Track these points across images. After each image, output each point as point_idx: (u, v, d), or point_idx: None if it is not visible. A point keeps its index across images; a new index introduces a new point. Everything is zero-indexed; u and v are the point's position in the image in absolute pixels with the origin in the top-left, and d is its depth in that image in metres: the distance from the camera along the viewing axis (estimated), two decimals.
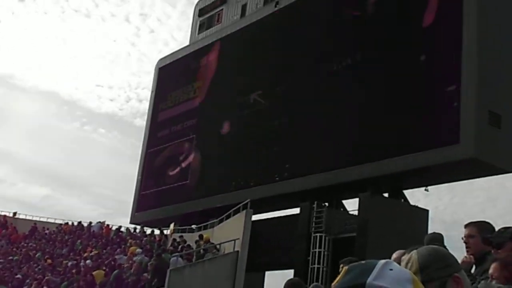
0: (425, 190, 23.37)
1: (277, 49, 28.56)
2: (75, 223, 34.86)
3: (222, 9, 34.74)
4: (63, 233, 33.49)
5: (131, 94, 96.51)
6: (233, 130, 29.75)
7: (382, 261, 1.74)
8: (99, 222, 33.57)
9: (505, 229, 3.98)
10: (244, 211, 23.74)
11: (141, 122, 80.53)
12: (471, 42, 20.15)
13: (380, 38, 23.51)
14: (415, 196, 23.15)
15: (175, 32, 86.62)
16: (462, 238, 4.33)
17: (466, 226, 4.34)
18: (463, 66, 20.06)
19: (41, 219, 38.40)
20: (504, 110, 20.22)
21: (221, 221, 25.98)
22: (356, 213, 23.54)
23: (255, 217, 24.92)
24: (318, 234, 23.71)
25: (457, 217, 56.98)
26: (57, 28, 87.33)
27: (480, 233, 4.20)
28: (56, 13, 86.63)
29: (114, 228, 32.19)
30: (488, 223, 4.34)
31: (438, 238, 5.57)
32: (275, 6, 29.69)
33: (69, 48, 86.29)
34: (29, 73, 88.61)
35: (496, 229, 4.18)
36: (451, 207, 58.97)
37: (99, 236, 30.81)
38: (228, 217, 25.40)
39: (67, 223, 35.74)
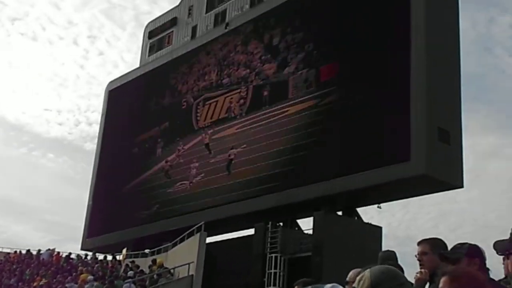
0: (378, 207, 23.58)
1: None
2: (24, 252, 33.78)
3: (172, 31, 34.62)
4: (11, 262, 32.40)
5: (80, 118, 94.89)
6: (186, 152, 29.47)
7: (329, 285, 1.65)
8: (49, 249, 32.62)
9: (461, 245, 3.97)
10: (198, 234, 23.43)
11: (91, 146, 79.10)
12: (419, 61, 20.51)
13: (330, 56, 23.75)
14: (368, 213, 23.33)
15: (125, 54, 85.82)
16: (416, 256, 4.29)
17: (419, 243, 4.31)
18: (412, 84, 20.37)
19: None
20: (453, 126, 20.58)
21: (174, 244, 25.58)
22: (311, 232, 23.50)
23: (209, 239, 24.62)
24: (273, 255, 23.57)
25: (410, 233, 57.71)
26: (2, 52, 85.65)
27: (432, 250, 4.19)
28: (1, 37, 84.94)
29: (64, 255, 31.29)
30: (440, 239, 4.32)
31: (391, 256, 5.51)
32: (225, 28, 29.73)
33: (16, 72, 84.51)
34: None
35: (449, 244, 4.16)
36: (404, 223, 59.74)
37: (48, 264, 29.89)
38: (182, 240, 25.03)
39: (15, 252, 34.61)
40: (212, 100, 29.23)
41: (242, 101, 27.45)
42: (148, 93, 33.70)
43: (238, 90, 27.80)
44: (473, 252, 3.84)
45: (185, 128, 30.27)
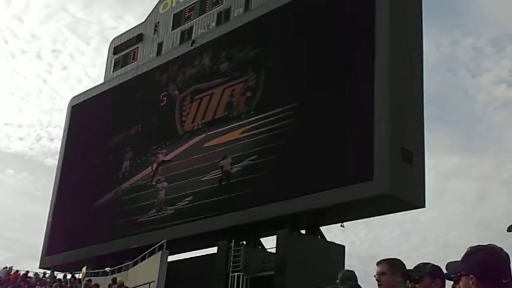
0: (341, 226, 23.63)
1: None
2: None
3: (137, 47, 34.41)
4: None
5: (42, 133, 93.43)
6: (149, 170, 29.15)
7: None
8: (5, 267, 31.79)
9: (424, 264, 4.04)
10: (160, 252, 23.14)
11: (53, 161, 77.74)
12: (383, 81, 20.71)
13: (296, 75, 23.84)
14: (332, 231, 23.34)
15: (89, 69, 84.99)
16: (374, 276, 4.30)
17: (377, 263, 4.34)
18: (376, 104, 20.53)
19: None
20: (415, 146, 20.78)
21: (135, 263, 25.21)
22: (274, 250, 23.38)
23: (171, 258, 24.32)
24: (236, 274, 23.35)
25: (373, 251, 57.97)
26: None
27: (391, 270, 4.25)
28: None
29: (22, 273, 30.51)
30: (399, 260, 4.37)
31: (352, 276, 5.51)
32: (192, 45, 29.65)
33: None
34: None
35: (411, 264, 4.22)
36: (367, 242, 60.04)
37: (5, 283, 29.10)
38: (143, 258, 24.69)
39: None
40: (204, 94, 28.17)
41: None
42: (112, 108, 33.32)
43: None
44: (435, 273, 3.92)
45: (165, 132, 29.35)
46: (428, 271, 3.96)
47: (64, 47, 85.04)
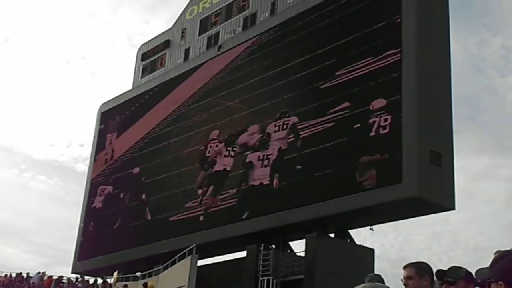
0: (370, 229, 23.51)
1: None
2: (14, 275, 33.45)
3: (165, 53, 34.73)
4: (1, 286, 32.06)
5: (72, 139, 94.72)
6: (178, 174, 29.36)
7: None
8: (39, 272, 32.34)
9: (458, 268, 4.06)
10: (190, 257, 23.31)
11: (83, 167, 78.82)
12: (411, 83, 20.61)
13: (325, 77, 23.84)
14: (361, 235, 23.28)
15: (116, 74, 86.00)
16: (401, 280, 4.28)
17: (404, 267, 4.31)
18: (404, 107, 20.44)
19: None
20: (444, 148, 20.62)
21: (166, 267, 25.42)
22: (303, 254, 23.37)
23: (201, 262, 24.47)
24: (265, 277, 23.39)
25: (403, 254, 57.49)
26: None
27: (418, 274, 4.20)
28: None
29: (55, 278, 31.00)
30: (426, 263, 4.34)
31: (379, 280, 5.47)
32: (218, 50, 29.84)
33: (7, 93, 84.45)
34: None
35: (442, 266, 4.21)
36: (396, 245, 59.52)
37: None
38: (173, 263, 24.89)
39: (5, 275, 34.28)
40: None
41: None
42: (140, 114, 33.70)
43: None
44: (469, 278, 3.93)
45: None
46: (463, 275, 3.97)
47: (92, 53, 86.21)
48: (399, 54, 21.24)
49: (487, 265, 2.61)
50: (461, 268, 4.05)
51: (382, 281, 5.45)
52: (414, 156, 19.85)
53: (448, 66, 22.11)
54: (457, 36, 66.68)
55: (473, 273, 4.03)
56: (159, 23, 77.75)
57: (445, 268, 4.06)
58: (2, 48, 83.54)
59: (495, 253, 4.72)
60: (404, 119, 20.32)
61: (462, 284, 3.93)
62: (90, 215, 34.33)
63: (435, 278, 4.14)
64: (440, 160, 20.21)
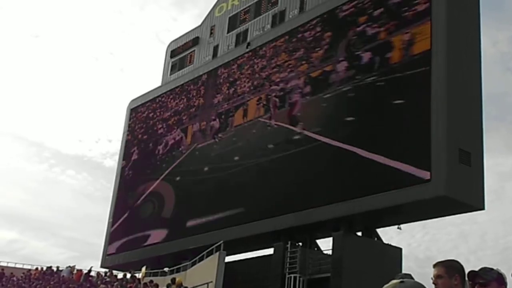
0: (398, 228, 23.37)
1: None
2: (44, 268, 34.04)
3: (194, 50, 34.95)
4: (31, 279, 32.64)
5: (100, 135, 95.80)
6: (209, 170, 29.55)
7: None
8: (69, 266, 32.84)
9: (490, 269, 4.00)
10: (217, 253, 23.45)
11: (111, 162, 79.84)
12: (440, 81, 20.43)
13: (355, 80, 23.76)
14: (387, 233, 23.11)
15: (145, 71, 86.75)
16: (431, 279, 4.25)
17: (434, 265, 4.26)
18: (433, 105, 20.29)
19: (9, 265, 37.47)
20: (473, 147, 20.41)
21: (194, 263, 25.61)
22: (330, 252, 23.36)
23: (229, 258, 24.61)
24: (292, 275, 23.44)
25: (430, 253, 57.07)
26: (23, 69, 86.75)
27: (448, 273, 4.13)
28: (22, 52, 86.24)
29: (84, 272, 31.43)
30: (457, 261, 4.26)
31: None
32: (247, 47, 29.93)
33: (37, 89, 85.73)
34: None
35: (471, 266, 4.16)
36: (424, 244, 59.12)
37: (68, 282, 30.07)
38: (201, 259, 25.06)
39: (36, 268, 34.90)
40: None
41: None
42: (169, 111, 33.99)
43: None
44: (502, 280, 3.91)
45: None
46: (495, 276, 3.92)
47: (120, 49, 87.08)
48: (429, 50, 21.06)
49: None
50: (492, 269, 3.98)
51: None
52: (443, 155, 19.69)
53: (478, 64, 21.83)
54: (487, 32, 65.80)
55: (505, 274, 4.01)
56: (187, 19, 78.29)
57: (476, 269, 4.02)
58: (32, 44, 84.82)
59: None
60: (434, 117, 20.16)
61: (494, 285, 3.86)
62: (119, 210, 34.73)
63: (466, 278, 4.09)
64: (470, 160, 20.01)
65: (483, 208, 20.47)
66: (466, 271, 4.11)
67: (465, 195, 19.91)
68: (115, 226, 34.55)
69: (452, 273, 4.07)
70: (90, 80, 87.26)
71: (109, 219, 35.28)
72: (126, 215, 33.95)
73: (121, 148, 37.47)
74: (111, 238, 34.47)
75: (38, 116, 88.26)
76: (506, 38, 65.33)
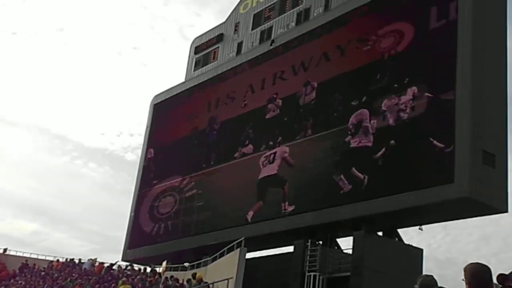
0: (419, 229, 23.24)
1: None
2: (66, 260, 34.44)
3: (218, 47, 35.06)
4: (53, 270, 33.04)
5: (122, 128, 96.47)
6: (228, 167, 29.66)
7: None
8: (91, 259, 33.18)
9: None
10: (238, 249, 23.52)
11: (132, 156, 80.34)
12: (465, 82, 20.29)
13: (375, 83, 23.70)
14: (408, 233, 22.96)
15: (167, 65, 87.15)
16: (462, 279, 4.23)
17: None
18: (457, 106, 20.15)
19: (32, 256, 37.97)
20: (498, 149, 20.23)
21: (214, 259, 25.72)
22: (350, 251, 23.33)
23: (249, 255, 24.68)
24: (312, 273, 23.45)
25: (451, 255, 56.68)
26: (46, 62, 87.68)
27: (465, 277, 4.10)
28: (47, 46, 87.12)
29: (106, 265, 31.73)
30: (475, 264, 4.20)
31: (432, 282, 5.46)
32: (271, 45, 29.95)
33: (60, 82, 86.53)
34: (19, 107, 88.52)
35: (494, 269, 4.15)
36: (444, 245, 58.70)
37: (90, 274, 30.38)
38: (221, 255, 25.16)
39: (58, 260, 35.32)
40: None
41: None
42: (193, 107, 34.15)
43: None
44: None
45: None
46: None
47: (143, 44, 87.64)
48: (454, 50, 20.92)
49: None
50: None
51: (435, 283, 5.45)
52: (466, 157, 19.56)
53: (504, 63, 21.61)
54: None
55: None
56: (210, 15, 78.53)
57: (506, 272, 4.01)
58: (56, 37, 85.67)
59: None
60: (458, 118, 20.02)
61: None
62: (141, 204, 34.98)
63: (495, 281, 4.08)
64: (494, 161, 19.84)
65: (506, 211, 20.27)
66: (497, 275, 4.09)
67: (489, 197, 19.74)
68: (136, 220, 34.79)
69: (465, 279, 4.05)
70: (113, 74, 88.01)
71: (130, 213, 35.55)
72: (147, 209, 34.17)
73: (144, 143, 37.72)
74: (132, 231, 34.73)
75: (62, 109, 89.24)
76: None
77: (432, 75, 21.50)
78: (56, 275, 31.65)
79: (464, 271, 4.18)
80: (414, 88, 21.78)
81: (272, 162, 26.73)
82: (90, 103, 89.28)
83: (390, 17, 24.13)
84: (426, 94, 21.29)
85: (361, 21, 25.34)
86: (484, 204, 19.85)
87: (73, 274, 30.91)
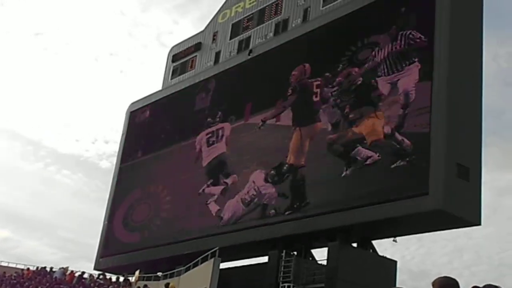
0: (394, 241, 23.32)
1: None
2: (37, 268, 33.87)
3: (195, 56, 34.96)
4: (24, 279, 32.46)
5: (97, 135, 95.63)
6: (200, 175, 29.52)
7: None
8: (62, 268, 32.68)
9: (495, 287, 3.93)
10: (212, 259, 23.36)
11: (107, 164, 79.57)
12: (440, 95, 20.46)
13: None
14: (382, 245, 22.96)
15: (145, 74, 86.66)
16: None
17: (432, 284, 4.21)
18: (433, 119, 20.29)
19: (2, 263, 37.27)
20: (472, 163, 20.40)
21: (188, 269, 25.52)
22: (325, 262, 23.30)
23: (223, 265, 24.53)
24: (286, 284, 23.36)
25: (424, 267, 57.00)
26: (22, 67, 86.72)
27: None
28: (23, 51, 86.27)
29: (77, 274, 31.27)
30: (451, 279, 4.18)
31: None
32: (249, 54, 29.94)
33: (35, 87, 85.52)
34: None
35: (466, 282, 4.11)
36: (418, 257, 59.00)
37: (61, 283, 29.90)
38: (195, 265, 24.98)
39: (28, 268, 34.72)
40: None
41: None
42: (169, 115, 33.96)
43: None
44: None
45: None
46: None
47: (121, 51, 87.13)
48: (431, 64, 21.10)
49: None
50: (496, 287, 3.92)
51: None
52: (441, 169, 19.68)
53: (479, 79, 21.84)
54: (488, 47, 65.82)
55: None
56: (188, 23, 78.31)
57: (480, 285, 3.98)
58: (33, 42, 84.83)
59: None
60: (433, 132, 20.17)
61: None
62: (115, 212, 34.62)
63: None
64: (468, 175, 20.00)
65: (479, 224, 20.45)
66: (464, 287, 4.06)
67: (462, 210, 19.88)
68: (110, 228, 34.42)
69: None
70: (89, 81, 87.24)
71: (104, 221, 35.16)
72: (121, 217, 33.83)
73: (119, 150, 37.41)
74: (105, 240, 34.34)
75: (36, 114, 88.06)
76: (507, 53, 65.46)
77: (407, 88, 21.64)
78: (26, 283, 31.09)
79: (432, 285, 4.15)
80: (390, 100, 21.90)
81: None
82: (65, 109, 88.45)
83: (367, 29, 24.25)
84: (402, 106, 21.42)
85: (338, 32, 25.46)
86: (458, 217, 20.00)
87: (44, 283, 30.40)
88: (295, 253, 24.38)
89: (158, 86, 36.93)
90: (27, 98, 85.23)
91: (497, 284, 3.94)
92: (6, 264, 37.13)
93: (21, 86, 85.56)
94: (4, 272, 35.00)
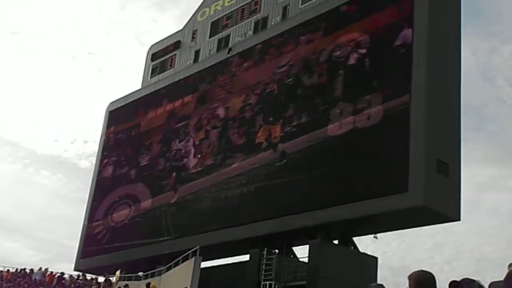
0: (374, 237, 23.45)
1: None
2: (16, 270, 33.48)
3: (175, 54, 34.78)
4: (3, 281, 32.10)
5: (76, 135, 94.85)
6: (185, 175, 29.40)
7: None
8: (41, 268, 32.35)
9: (472, 280, 4.00)
10: (193, 259, 23.27)
11: (86, 164, 78.90)
12: (420, 91, 20.55)
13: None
14: (363, 241, 23.12)
15: (123, 70, 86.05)
16: None
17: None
18: (412, 116, 20.38)
19: None
20: (452, 158, 20.53)
21: (169, 268, 25.39)
22: (306, 260, 23.32)
23: (204, 264, 24.44)
24: (267, 282, 23.34)
25: (405, 263, 57.28)
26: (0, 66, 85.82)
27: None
28: (0, 48, 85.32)
29: (57, 275, 30.99)
30: (427, 273, 4.14)
31: None
32: (228, 53, 29.86)
33: (12, 87, 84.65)
34: None
35: (446, 276, 4.11)
36: (399, 253, 59.31)
37: (40, 285, 29.63)
38: (176, 264, 24.86)
39: (8, 270, 34.31)
40: None
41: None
42: (148, 114, 33.76)
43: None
44: None
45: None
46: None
47: (99, 49, 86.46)
48: (409, 60, 21.18)
49: (492, 277, 2.59)
50: (474, 280, 3.99)
51: None
52: (421, 166, 19.78)
53: (458, 75, 21.97)
54: (467, 42, 66.36)
55: (486, 286, 3.98)
56: (168, 21, 77.78)
57: (458, 279, 3.98)
58: (9, 41, 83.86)
59: (509, 266, 4.66)
60: (412, 128, 20.25)
61: None
62: (95, 213, 34.34)
63: None
64: (448, 171, 20.13)
65: (459, 219, 20.60)
66: (450, 282, 4.05)
67: (442, 206, 20.01)
68: (90, 229, 34.13)
69: (410, 287, 3.97)
70: (67, 80, 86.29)
71: (84, 222, 34.86)
72: (101, 218, 33.56)
73: (98, 150, 37.10)
74: (85, 241, 34.05)
75: (14, 115, 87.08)
76: (486, 49, 66.04)
77: (387, 85, 21.71)
78: (6, 285, 30.77)
79: (409, 279, 4.13)
80: (369, 97, 21.96)
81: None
82: (43, 109, 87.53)
83: (347, 26, 24.29)
84: (381, 103, 21.48)
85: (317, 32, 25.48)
86: (438, 213, 20.12)
87: (23, 285, 30.10)
88: (277, 251, 24.39)
89: (138, 85, 36.71)
90: (4, 99, 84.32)
91: (474, 278, 3.95)
92: None
93: None
94: None
